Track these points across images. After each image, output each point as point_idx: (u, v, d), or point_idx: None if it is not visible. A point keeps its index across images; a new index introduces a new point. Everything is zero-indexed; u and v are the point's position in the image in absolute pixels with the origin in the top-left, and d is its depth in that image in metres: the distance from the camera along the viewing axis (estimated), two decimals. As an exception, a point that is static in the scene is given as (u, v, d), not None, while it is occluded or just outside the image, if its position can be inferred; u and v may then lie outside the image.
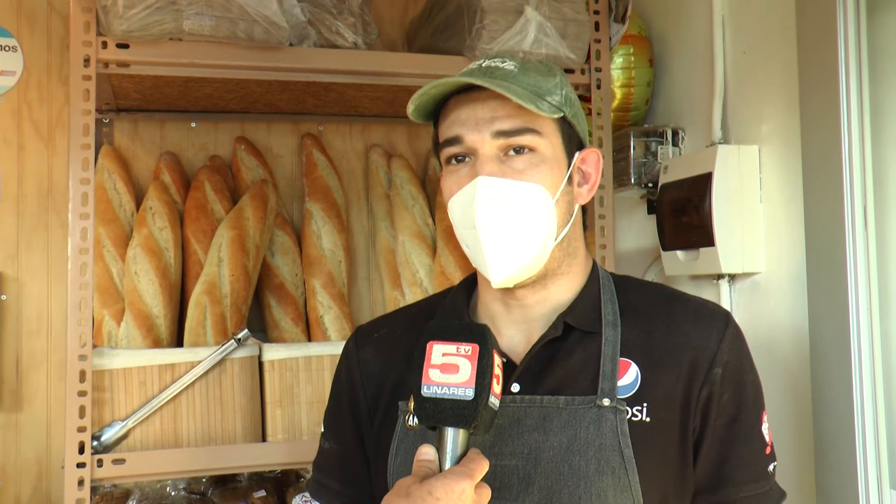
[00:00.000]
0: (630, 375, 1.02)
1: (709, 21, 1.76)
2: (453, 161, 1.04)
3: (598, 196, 1.86)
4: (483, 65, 1.05)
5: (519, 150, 1.01)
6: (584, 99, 1.89)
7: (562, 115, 1.03)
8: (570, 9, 1.80)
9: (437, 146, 1.07)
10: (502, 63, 1.04)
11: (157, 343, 1.76)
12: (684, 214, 1.70)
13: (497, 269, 1.01)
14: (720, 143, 1.70)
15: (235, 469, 1.80)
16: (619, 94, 1.95)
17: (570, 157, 1.06)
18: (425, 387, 0.90)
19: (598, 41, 1.87)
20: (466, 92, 1.02)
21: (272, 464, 1.77)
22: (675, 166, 1.76)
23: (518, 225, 1.00)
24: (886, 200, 1.39)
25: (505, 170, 1.00)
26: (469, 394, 0.89)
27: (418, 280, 1.97)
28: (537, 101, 0.99)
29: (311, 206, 1.99)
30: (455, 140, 1.02)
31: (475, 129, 1.00)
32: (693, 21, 1.86)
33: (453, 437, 0.89)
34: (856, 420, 1.36)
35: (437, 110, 1.07)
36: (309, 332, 1.94)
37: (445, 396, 0.89)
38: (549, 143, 1.02)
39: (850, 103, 1.39)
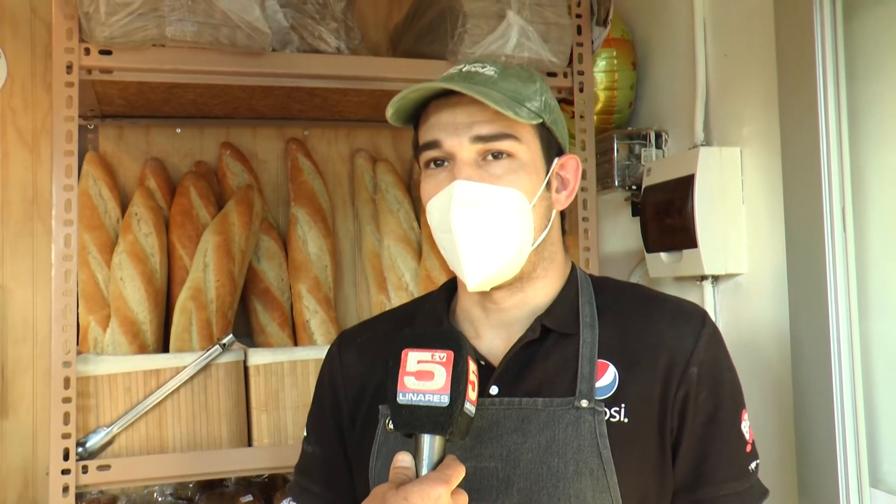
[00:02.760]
0: (608, 377, 1.02)
1: (690, 24, 1.77)
2: (432, 164, 1.04)
3: (582, 199, 1.87)
4: (464, 70, 1.05)
5: (497, 155, 1.01)
6: (567, 102, 1.89)
7: (540, 121, 1.04)
8: (552, 13, 1.81)
9: (417, 149, 1.07)
10: (482, 68, 1.05)
11: (142, 349, 1.76)
12: (667, 216, 1.70)
13: (473, 273, 1.01)
14: (702, 145, 1.71)
15: (222, 474, 1.80)
16: (602, 97, 1.96)
17: (548, 162, 1.06)
18: (401, 394, 0.90)
19: (581, 45, 1.88)
20: (446, 96, 1.02)
21: (258, 468, 1.77)
22: (658, 168, 1.77)
23: (495, 229, 1.00)
24: (865, 201, 1.40)
25: (483, 174, 1.01)
26: (444, 400, 0.89)
27: (404, 284, 1.97)
28: (515, 107, 0.99)
29: (296, 210, 1.99)
30: (434, 144, 1.03)
31: (454, 133, 1.01)
32: (675, 24, 1.87)
33: (429, 444, 0.89)
34: (836, 419, 1.37)
35: (417, 114, 1.07)
36: (295, 336, 1.94)
37: (421, 403, 0.89)
38: (527, 148, 1.03)
39: (828, 105, 1.40)
